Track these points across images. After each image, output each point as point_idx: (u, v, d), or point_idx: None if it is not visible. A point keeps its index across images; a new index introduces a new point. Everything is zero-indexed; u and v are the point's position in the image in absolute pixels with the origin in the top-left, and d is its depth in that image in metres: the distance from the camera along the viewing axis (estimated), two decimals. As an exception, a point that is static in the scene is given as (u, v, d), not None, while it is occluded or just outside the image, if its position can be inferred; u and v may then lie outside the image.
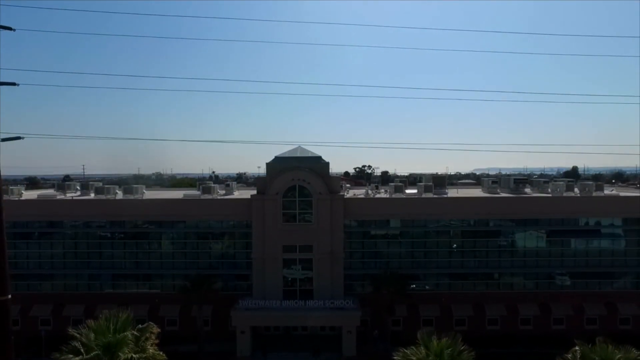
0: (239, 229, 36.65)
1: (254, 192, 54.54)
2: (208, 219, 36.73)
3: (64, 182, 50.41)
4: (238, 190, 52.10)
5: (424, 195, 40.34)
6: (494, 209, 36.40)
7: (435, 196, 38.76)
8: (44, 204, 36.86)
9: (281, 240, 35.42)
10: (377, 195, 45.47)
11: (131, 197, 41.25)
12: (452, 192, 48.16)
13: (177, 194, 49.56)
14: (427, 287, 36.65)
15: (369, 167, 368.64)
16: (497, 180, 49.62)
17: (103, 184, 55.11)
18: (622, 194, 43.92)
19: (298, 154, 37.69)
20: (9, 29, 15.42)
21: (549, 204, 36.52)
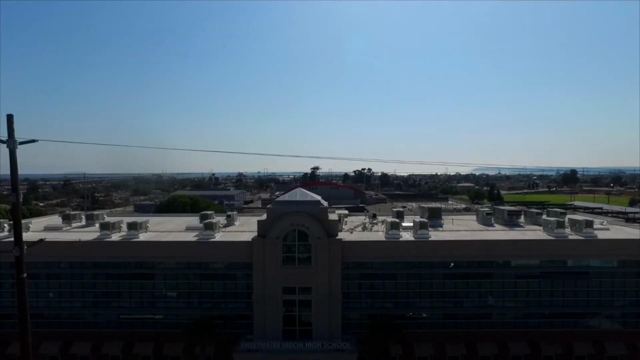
0: (241, 269, 37.91)
1: (254, 218, 56.14)
2: (210, 261, 37.98)
3: (69, 212, 51.62)
4: (239, 219, 53.45)
5: (419, 232, 41.74)
6: (487, 251, 37.69)
7: (429, 238, 40.00)
8: (50, 246, 37.91)
9: (281, 282, 36.75)
10: (374, 228, 46.96)
11: (135, 232, 42.68)
12: (448, 222, 49.72)
13: (179, 222, 51.04)
14: (421, 326, 37.88)
15: (369, 170, 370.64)
16: (491, 212, 51.07)
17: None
18: (612, 228, 45.35)
19: (297, 198, 38.95)
20: (33, 141, 16.68)
21: (539, 247, 37.77)
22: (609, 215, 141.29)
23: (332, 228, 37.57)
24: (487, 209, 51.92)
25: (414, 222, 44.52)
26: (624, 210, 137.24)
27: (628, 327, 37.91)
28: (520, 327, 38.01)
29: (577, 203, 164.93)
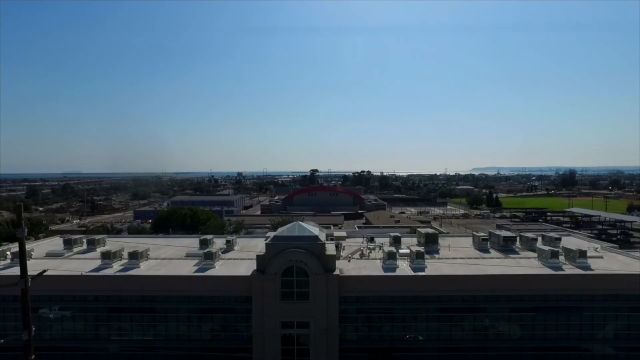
0: (240, 303, 38.57)
1: (253, 241, 56.80)
2: (210, 295, 38.64)
3: (70, 238, 52.24)
4: (238, 243, 54.10)
5: (415, 262, 42.64)
6: (482, 285, 38.40)
7: (426, 268, 40.90)
8: (52, 279, 38.58)
9: (280, 317, 37.49)
10: (372, 254, 47.73)
11: (136, 261, 43.44)
12: (444, 248, 50.50)
13: (179, 247, 51.79)
14: (417, 359, 38.58)
15: (368, 172, 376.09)
16: (487, 237, 51.83)
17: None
18: (605, 255, 46.07)
19: (296, 233, 39.61)
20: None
21: (535, 282, 38.47)
22: (607, 222, 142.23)
23: (330, 263, 38.25)
24: (483, 234, 52.62)
25: (410, 251, 45.31)
26: (621, 219, 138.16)
27: (620, 359, 38.66)
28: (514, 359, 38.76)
29: (575, 209, 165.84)
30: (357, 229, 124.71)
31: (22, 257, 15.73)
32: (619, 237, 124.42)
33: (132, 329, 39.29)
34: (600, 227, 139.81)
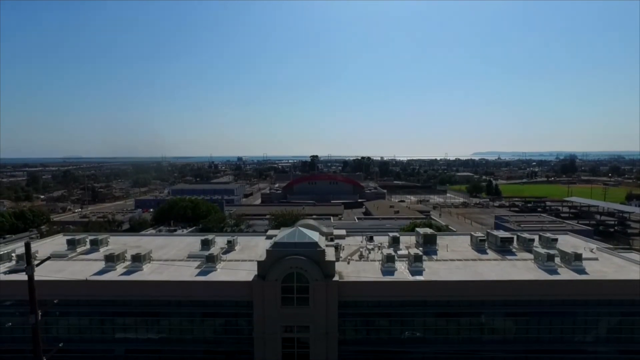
0: (242, 307, 39.42)
1: (254, 240, 57.58)
2: (212, 299, 39.46)
3: (74, 238, 52.98)
4: (239, 242, 54.79)
5: (413, 265, 43.44)
6: (479, 290, 39.20)
7: (423, 271, 41.71)
8: (58, 285, 39.38)
9: (280, 322, 38.44)
10: (371, 255, 48.55)
11: (139, 264, 44.24)
12: (442, 248, 51.36)
13: (181, 246, 52.63)
14: (414, 361, 39.61)
15: (368, 158, 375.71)
16: (484, 238, 52.55)
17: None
18: (601, 257, 46.84)
19: (296, 239, 40.22)
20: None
21: (530, 287, 39.23)
22: (605, 212, 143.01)
23: (329, 269, 38.98)
24: (480, 235, 53.28)
25: (409, 253, 46.02)
26: (620, 210, 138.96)
27: (611, 361, 39.71)
28: (509, 363, 39.76)
29: (574, 199, 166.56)
30: (356, 220, 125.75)
31: (31, 294, 16.28)
32: (616, 227, 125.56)
33: (136, 332, 40.24)
34: (598, 217, 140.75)
